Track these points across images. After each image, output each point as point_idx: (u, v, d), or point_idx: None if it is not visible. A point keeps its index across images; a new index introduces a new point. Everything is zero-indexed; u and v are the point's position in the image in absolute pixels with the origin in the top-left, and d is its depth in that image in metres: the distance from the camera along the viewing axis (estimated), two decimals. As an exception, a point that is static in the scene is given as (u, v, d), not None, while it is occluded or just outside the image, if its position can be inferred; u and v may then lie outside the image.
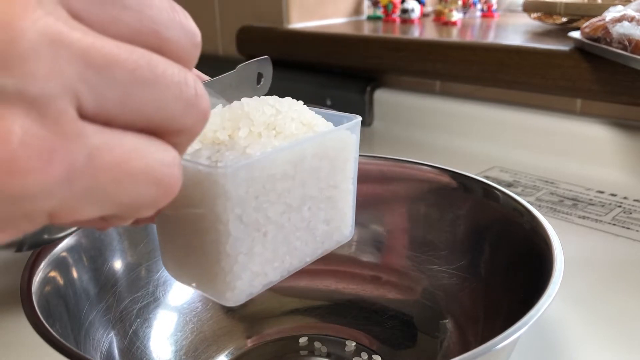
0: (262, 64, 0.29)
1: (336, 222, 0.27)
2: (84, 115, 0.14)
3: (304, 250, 0.26)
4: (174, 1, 0.17)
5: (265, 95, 0.27)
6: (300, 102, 0.26)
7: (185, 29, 0.17)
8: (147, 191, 0.16)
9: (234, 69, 0.28)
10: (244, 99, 0.25)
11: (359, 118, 0.27)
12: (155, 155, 0.16)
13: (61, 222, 0.15)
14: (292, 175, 0.24)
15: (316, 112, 0.27)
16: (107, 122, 0.15)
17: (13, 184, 0.13)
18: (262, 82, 0.29)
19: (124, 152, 0.15)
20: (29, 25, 0.13)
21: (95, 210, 0.15)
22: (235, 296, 0.24)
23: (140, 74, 0.15)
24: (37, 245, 0.30)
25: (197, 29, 0.17)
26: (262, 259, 0.24)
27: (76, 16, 0.15)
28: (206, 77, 0.27)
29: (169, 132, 0.17)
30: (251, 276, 0.24)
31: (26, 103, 0.13)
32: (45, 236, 0.30)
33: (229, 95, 0.27)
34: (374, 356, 0.36)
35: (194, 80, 0.17)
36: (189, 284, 0.25)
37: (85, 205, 0.15)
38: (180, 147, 0.17)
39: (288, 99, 0.26)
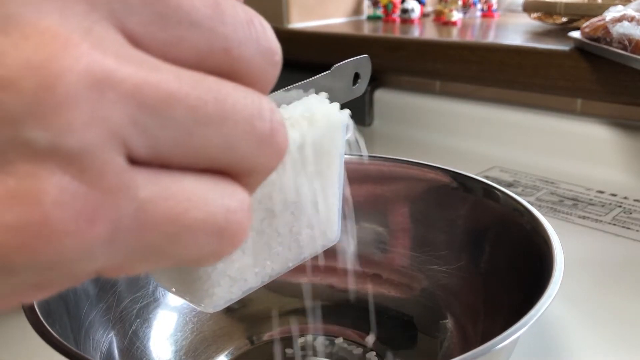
0: (360, 63, 0.26)
1: (321, 227, 0.26)
2: (135, 161, 0.12)
3: (286, 255, 0.25)
4: (251, 10, 0.15)
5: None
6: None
7: (263, 46, 0.14)
8: (207, 243, 0.14)
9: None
10: None
11: (345, 115, 0.26)
12: (219, 201, 0.14)
13: (112, 276, 0.14)
14: (272, 181, 0.23)
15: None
16: (164, 164, 0.13)
17: (47, 249, 0.11)
18: (358, 83, 0.27)
19: (181, 202, 0.13)
20: (69, 66, 0.11)
21: (147, 267, 0.14)
22: (214, 302, 0.23)
23: (204, 112, 0.13)
24: None
25: (277, 44, 0.15)
26: (241, 265, 0.23)
27: (133, 39, 0.12)
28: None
29: (238, 173, 0.14)
30: (230, 282, 0.23)
31: (62, 158, 0.11)
32: None
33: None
34: (374, 356, 0.36)
35: (270, 110, 0.14)
36: (169, 289, 0.24)
37: (135, 263, 0.13)
38: (250, 187, 0.15)
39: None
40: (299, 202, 0.25)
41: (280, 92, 0.23)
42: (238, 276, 0.24)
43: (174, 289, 0.24)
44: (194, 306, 0.24)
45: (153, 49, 0.13)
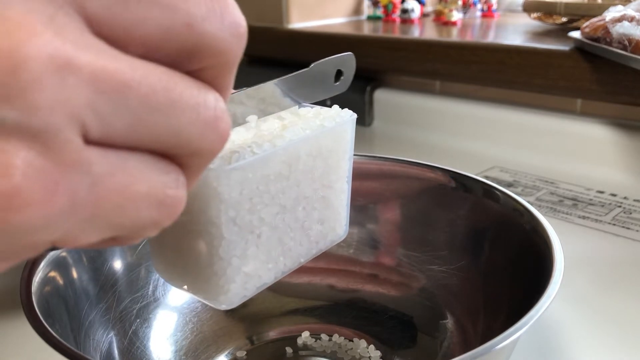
0: (343, 61, 0.26)
1: (330, 222, 0.27)
2: (89, 141, 0.14)
3: (298, 250, 0.26)
4: None
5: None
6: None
7: (227, 20, 0.15)
8: (149, 214, 0.15)
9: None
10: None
11: (354, 115, 0.26)
12: (158, 178, 0.15)
13: (65, 247, 0.15)
14: (286, 176, 0.24)
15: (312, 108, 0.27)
16: (113, 144, 0.14)
17: (16, 218, 0.13)
18: (341, 80, 0.26)
19: (127, 177, 0.14)
20: (33, 52, 0.12)
21: (97, 235, 0.15)
22: (229, 299, 0.23)
23: (154, 99, 0.14)
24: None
25: (241, 17, 0.16)
26: (255, 261, 0.24)
27: (95, 22, 0.13)
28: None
29: (183, 155, 0.16)
30: (245, 278, 0.23)
31: (28, 136, 0.13)
32: None
33: (302, 94, 0.25)
34: (373, 356, 0.36)
35: (215, 99, 0.16)
36: (180, 287, 0.24)
37: (88, 231, 0.15)
38: (195, 169, 0.16)
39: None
40: (310, 198, 0.25)
41: (254, 87, 0.23)
42: (253, 272, 0.24)
43: (185, 287, 0.24)
44: (208, 304, 0.24)
45: (116, 30, 0.14)
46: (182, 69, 0.15)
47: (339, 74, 0.26)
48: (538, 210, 0.34)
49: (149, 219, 0.15)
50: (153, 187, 0.15)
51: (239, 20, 0.15)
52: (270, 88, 0.24)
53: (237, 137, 0.23)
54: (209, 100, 0.15)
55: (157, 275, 0.37)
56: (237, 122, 0.22)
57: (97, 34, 0.14)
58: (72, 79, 0.13)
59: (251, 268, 0.24)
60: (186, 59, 0.15)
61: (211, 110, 0.15)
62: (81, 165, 0.13)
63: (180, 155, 0.16)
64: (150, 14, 0.14)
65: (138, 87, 0.14)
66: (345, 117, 0.26)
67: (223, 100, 0.16)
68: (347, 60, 0.26)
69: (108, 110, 0.13)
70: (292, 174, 0.24)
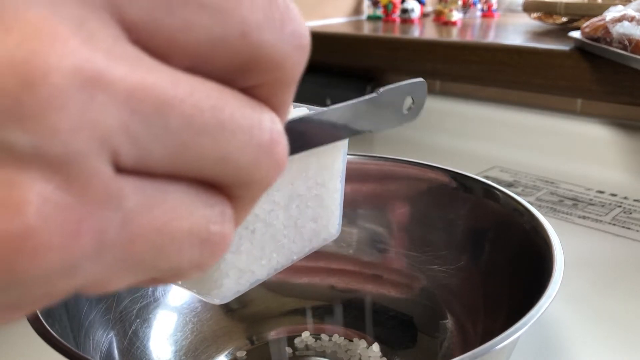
0: (414, 87, 0.24)
1: (324, 221, 0.27)
2: (121, 169, 0.11)
3: (291, 248, 0.26)
4: None
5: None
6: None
7: (287, 29, 0.13)
8: (190, 254, 0.13)
9: None
10: None
11: None
12: (202, 211, 0.13)
13: (93, 293, 0.13)
14: None
15: (308, 109, 0.26)
16: (150, 173, 0.12)
17: (27, 265, 0.10)
18: (411, 108, 0.24)
19: (166, 212, 0.12)
20: (55, 63, 0.10)
21: (130, 279, 0.13)
22: (222, 294, 0.23)
23: (200, 121, 0.12)
24: None
25: (304, 26, 0.14)
26: (249, 256, 0.24)
27: (132, 28, 0.11)
28: None
29: (232, 185, 0.13)
30: (238, 274, 0.24)
31: (46, 165, 0.10)
32: None
33: (366, 122, 0.23)
34: (373, 356, 0.36)
35: (272, 120, 0.13)
36: (174, 282, 0.25)
37: (119, 275, 0.12)
38: (246, 202, 0.14)
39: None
40: (304, 196, 0.25)
41: (315, 114, 0.22)
42: (246, 268, 0.24)
43: (179, 282, 0.24)
44: (202, 298, 0.24)
45: (157, 39, 0.12)
46: (233, 85, 0.13)
47: (408, 101, 0.24)
48: (538, 210, 0.34)
49: (190, 260, 0.13)
50: (195, 223, 0.13)
51: (302, 30, 0.13)
52: (334, 116, 0.22)
53: None
54: (265, 122, 0.13)
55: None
56: None
57: (135, 42, 0.11)
58: (101, 96, 0.10)
59: (245, 263, 0.24)
60: (239, 73, 0.13)
61: (266, 133, 0.13)
62: (111, 200, 0.11)
63: (228, 185, 0.13)
64: (199, 20, 0.12)
65: (181, 105, 0.11)
66: None
67: (280, 121, 0.14)
68: (418, 87, 0.24)
69: (145, 134, 0.11)
70: (286, 171, 0.24)
